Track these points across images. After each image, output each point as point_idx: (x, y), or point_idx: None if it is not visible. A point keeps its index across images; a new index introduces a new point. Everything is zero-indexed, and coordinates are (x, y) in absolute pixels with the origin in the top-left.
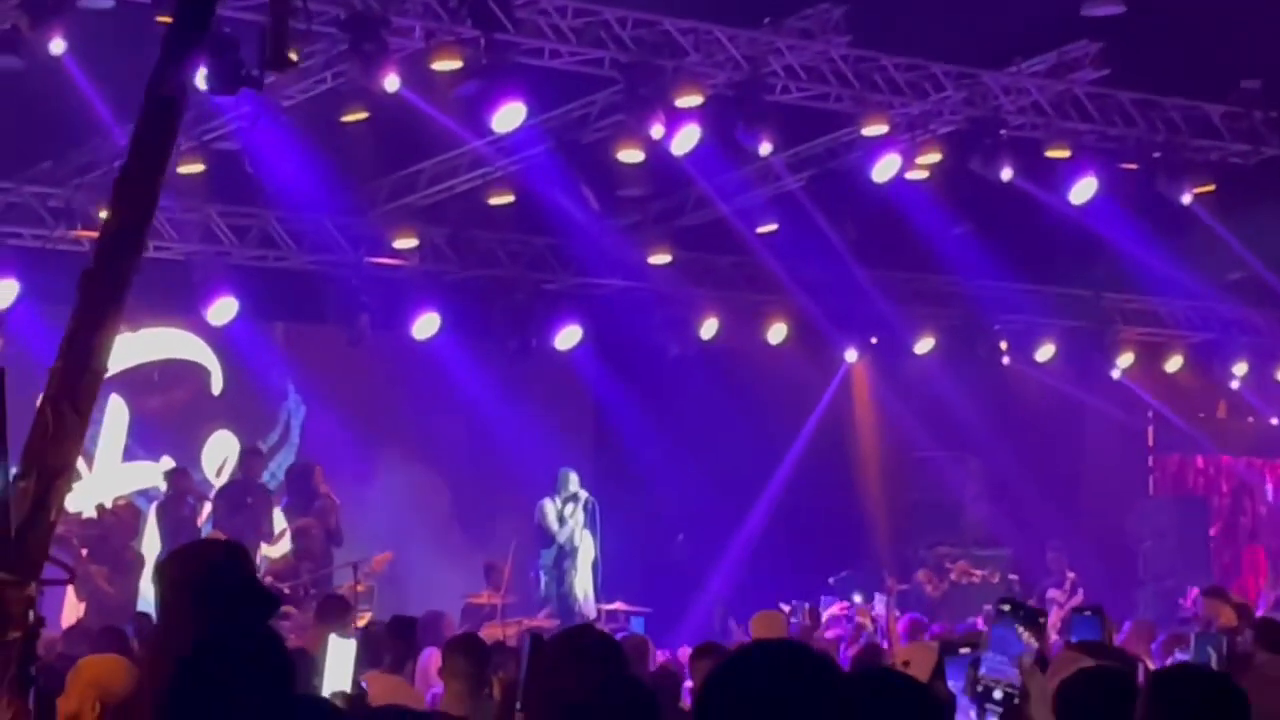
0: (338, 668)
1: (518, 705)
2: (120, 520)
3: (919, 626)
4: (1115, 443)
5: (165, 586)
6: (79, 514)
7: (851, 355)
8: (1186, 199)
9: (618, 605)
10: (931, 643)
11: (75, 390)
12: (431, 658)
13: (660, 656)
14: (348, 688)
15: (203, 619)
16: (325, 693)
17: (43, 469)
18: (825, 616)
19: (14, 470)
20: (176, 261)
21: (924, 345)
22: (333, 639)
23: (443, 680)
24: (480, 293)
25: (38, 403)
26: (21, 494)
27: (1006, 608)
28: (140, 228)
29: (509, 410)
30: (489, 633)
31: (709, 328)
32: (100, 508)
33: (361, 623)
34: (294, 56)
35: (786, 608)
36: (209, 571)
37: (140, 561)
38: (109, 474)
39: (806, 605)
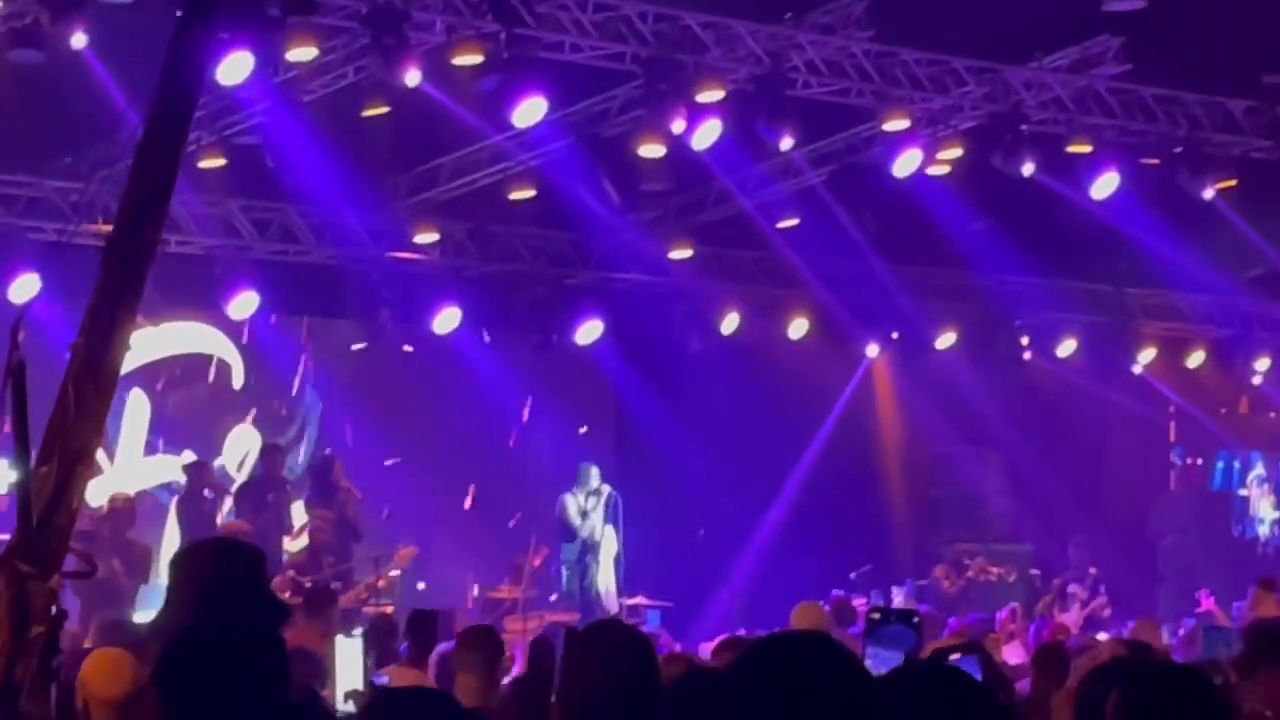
0: (347, 667)
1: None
2: (116, 512)
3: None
4: (1136, 438)
5: (175, 582)
6: (100, 508)
7: (872, 350)
8: (1208, 194)
9: (639, 599)
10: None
11: (97, 367)
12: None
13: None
14: (360, 685)
15: (205, 618)
16: (339, 692)
17: (64, 453)
18: None
19: (33, 457)
20: (197, 256)
21: (945, 340)
22: (340, 639)
23: (456, 672)
24: (501, 287)
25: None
26: (42, 480)
27: (877, 615)
28: (163, 195)
29: (530, 404)
30: (510, 626)
31: (730, 322)
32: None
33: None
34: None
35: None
36: (220, 573)
37: (144, 553)
38: (130, 468)
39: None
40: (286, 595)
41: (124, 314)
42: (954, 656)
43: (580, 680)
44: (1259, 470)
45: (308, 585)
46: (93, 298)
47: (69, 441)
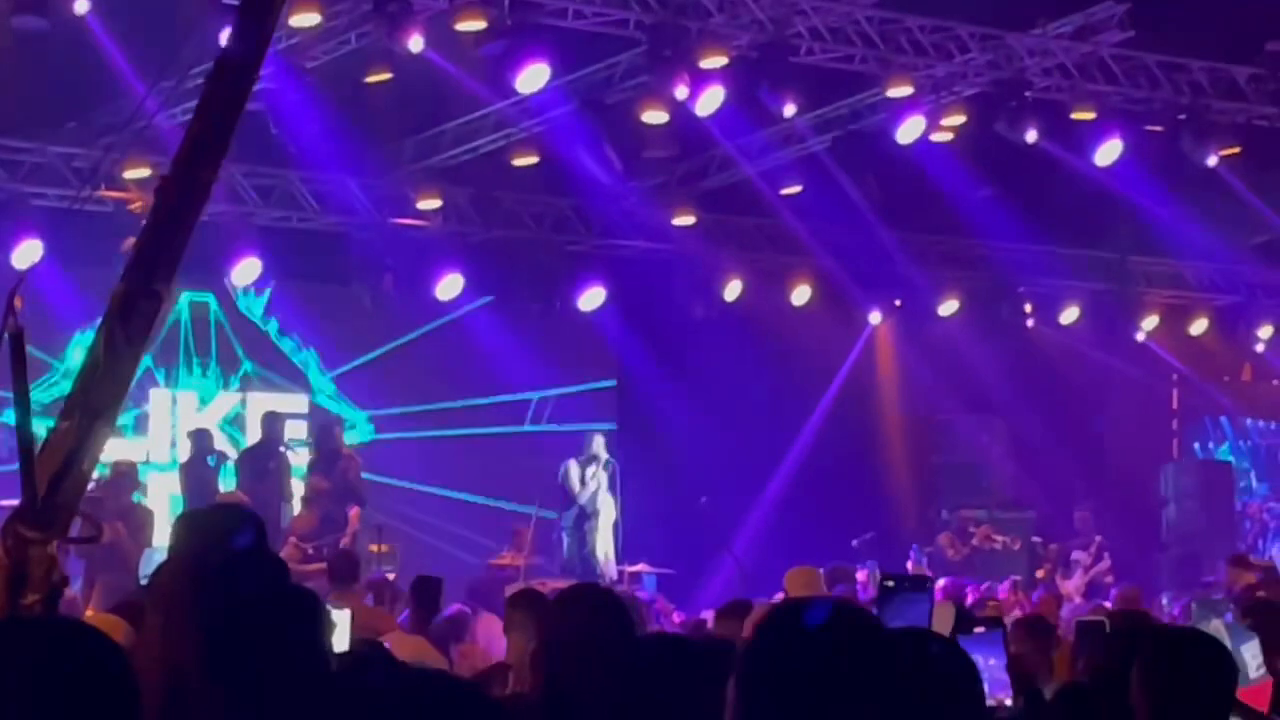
0: (337, 639)
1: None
2: (120, 476)
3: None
4: (1139, 406)
5: (172, 548)
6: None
7: (875, 317)
8: (1212, 161)
9: (641, 567)
10: (949, 604)
11: (130, 315)
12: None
13: (679, 618)
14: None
15: (204, 583)
16: None
17: (86, 408)
18: None
19: (34, 418)
20: (201, 222)
21: (948, 307)
22: (332, 612)
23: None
24: (504, 254)
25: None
26: (61, 437)
27: (891, 584)
28: (225, 133)
29: (532, 371)
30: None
31: (733, 289)
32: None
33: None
34: None
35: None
36: (214, 538)
37: (146, 517)
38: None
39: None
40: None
41: (167, 258)
42: (978, 630)
43: (557, 642)
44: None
45: (310, 551)
46: (138, 239)
47: (92, 396)
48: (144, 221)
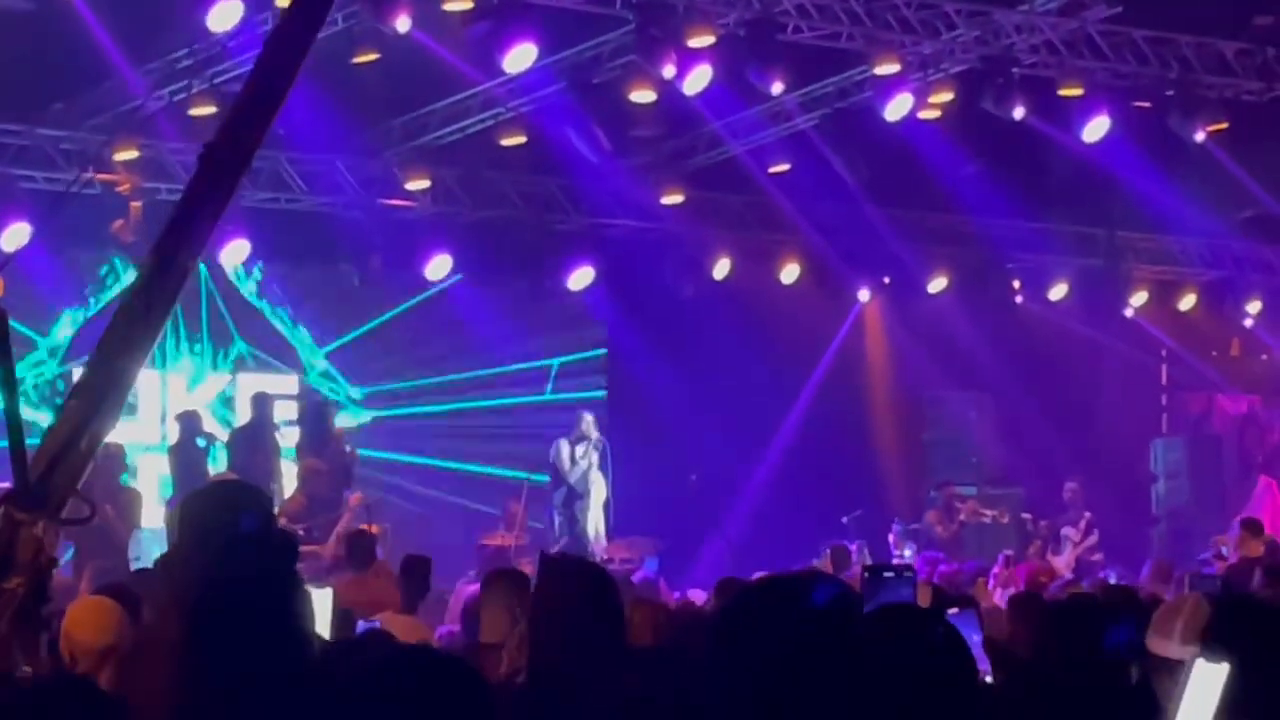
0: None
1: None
2: (108, 458)
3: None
4: (1128, 381)
5: (182, 528)
6: None
7: (864, 294)
8: (1199, 137)
9: (634, 545)
10: (930, 583)
11: (152, 284)
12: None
13: (674, 597)
14: (327, 636)
15: (218, 563)
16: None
17: (96, 384)
18: None
19: (17, 398)
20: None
21: (937, 284)
22: (314, 591)
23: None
24: (492, 234)
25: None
26: (68, 415)
27: (869, 574)
28: (279, 94)
29: (522, 351)
30: None
31: (721, 268)
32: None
33: None
34: None
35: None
36: (226, 515)
37: (133, 499)
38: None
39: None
40: None
41: (200, 226)
42: (951, 611)
43: (542, 615)
44: None
45: (300, 533)
46: (176, 207)
47: (104, 372)
48: (185, 190)
